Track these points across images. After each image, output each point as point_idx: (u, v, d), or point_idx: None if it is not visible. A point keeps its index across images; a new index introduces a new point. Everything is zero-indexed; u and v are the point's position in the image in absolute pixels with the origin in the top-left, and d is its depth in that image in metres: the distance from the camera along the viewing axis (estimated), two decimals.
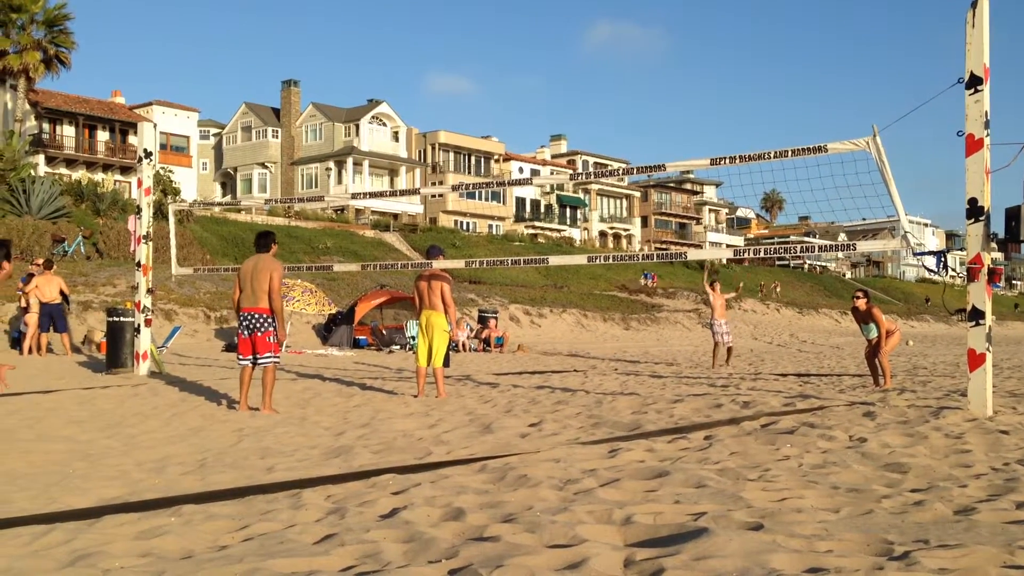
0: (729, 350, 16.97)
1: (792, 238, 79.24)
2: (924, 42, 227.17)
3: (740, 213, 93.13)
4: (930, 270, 9.31)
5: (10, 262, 6.36)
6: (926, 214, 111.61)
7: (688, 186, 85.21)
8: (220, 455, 6.67)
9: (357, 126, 60.28)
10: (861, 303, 12.52)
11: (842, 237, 78.67)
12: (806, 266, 77.96)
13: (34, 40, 41.70)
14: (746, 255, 11.35)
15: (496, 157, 68.31)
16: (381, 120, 61.95)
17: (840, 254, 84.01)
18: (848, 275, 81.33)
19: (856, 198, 9.61)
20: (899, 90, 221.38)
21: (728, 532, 3.87)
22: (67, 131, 50.10)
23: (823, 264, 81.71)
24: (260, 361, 9.08)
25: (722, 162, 9.74)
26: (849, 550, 3.72)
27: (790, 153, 9.23)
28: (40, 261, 17.42)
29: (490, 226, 63.87)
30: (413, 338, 21.81)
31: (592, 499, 4.73)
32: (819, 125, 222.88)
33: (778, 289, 52.45)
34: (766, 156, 9.38)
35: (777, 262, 70.43)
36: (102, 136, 51.61)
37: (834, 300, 59.39)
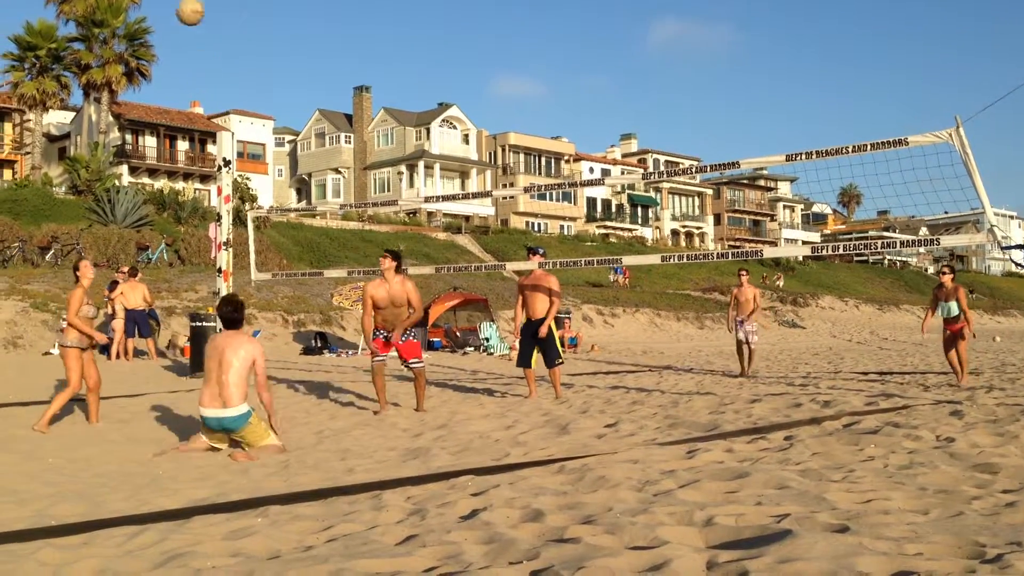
0: (751, 352, 14.37)
1: (871, 233, 77.46)
2: (1000, 37, 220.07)
3: (816, 209, 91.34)
4: (1018, 264, 9.01)
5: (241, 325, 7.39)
6: (1012, 205, 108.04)
7: (762, 182, 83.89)
8: (302, 456, 6.80)
9: (428, 130, 60.78)
10: (948, 279, 11.93)
11: (923, 231, 76.72)
12: (886, 262, 76.10)
13: (116, 54, 42.97)
14: (824, 251, 11.14)
15: (566, 157, 68.20)
16: (451, 123, 62.36)
17: (922, 249, 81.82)
18: (930, 270, 79.18)
19: (939, 191, 9.37)
20: (972, 87, 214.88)
21: (813, 534, 3.81)
22: (149, 141, 51.54)
23: (903, 259, 79.67)
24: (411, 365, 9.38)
25: (798, 158, 9.58)
26: (939, 553, 3.63)
27: (869, 147, 9.03)
28: (125, 269, 17.94)
29: (561, 227, 63.77)
30: (487, 339, 21.97)
31: (672, 500, 4.69)
32: (891, 120, 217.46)
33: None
34: (844, 151, 9.19)
35: (855, 258, 68.87)
36: (182, 146, 52.97)
37: (916, 296, 57.86)
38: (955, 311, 11.75)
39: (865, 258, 70.92)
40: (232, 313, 7.26)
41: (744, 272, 14.70)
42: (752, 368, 14.49)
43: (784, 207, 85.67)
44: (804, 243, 74.84)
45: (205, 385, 6.96)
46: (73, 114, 52.49)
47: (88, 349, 8.38)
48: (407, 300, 9.15)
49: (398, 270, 9.30)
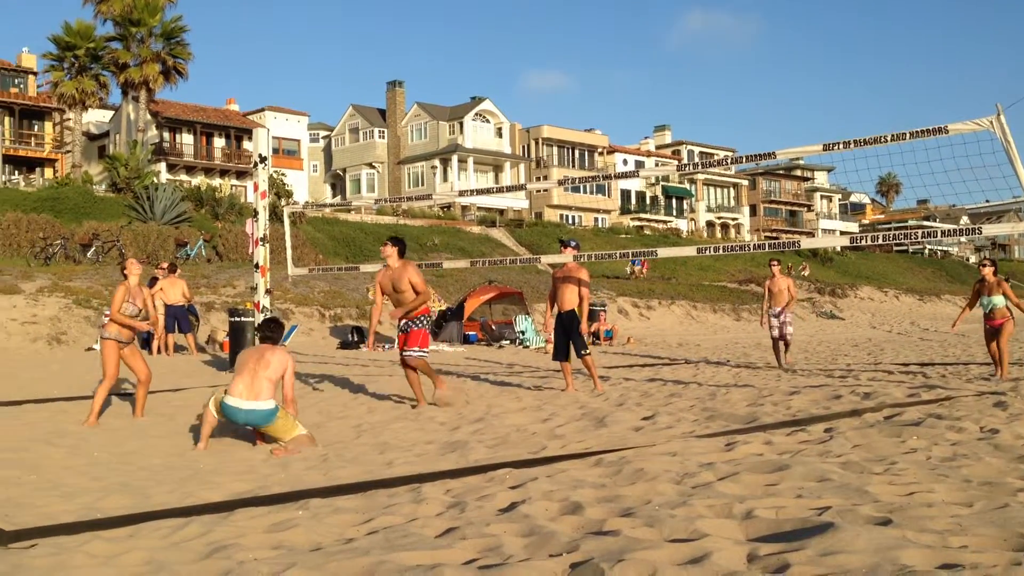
0: (787, 344, 14.19)
1: (910, 223, 76.43)
2: None
3: (854, 199, 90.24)
4: None
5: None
6: None
7: (798, 172, 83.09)
8: (341, 450, 6.86)
9: (461, 124, 60.85)
10: (989, 271, 11.53)
11: (964, 220, 75.56)
12: (926, 251, 75.06)
13: (153, 52, 43.50)
14: (862, 241, 10.98)
15: (600, 150, 67.98)
16: (484, 117, 62.38)
17: (963, 238, 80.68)
18: (972, 260, 78.02)
19: (980, 180, 9.24)
20: (1010, 77, 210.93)
21: (855, 527, 3.78)
22: (186, 139, 52.09)
23: (944, 249, 78.52)
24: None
25: (835, 147, 9.46)
26: (985, 545, 3.59)
27: (908, 135, 8.91)
28: (165, 265, 18.15)
29: (595, 219, 63.58)
30: (523, 332, 21.98)
31: (711, 493, 4.68)
32: (928, 111, 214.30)
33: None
34: (883, 139, 9.07)
35: (895, 248, 68.01)
36: (218, 143, 53.48)
37: (957, 286, 57.06)
38: (996, 305, 11.47)
39: (905, 248, 70.04)
40: (277, 331, 7.61)
41: (775, 263, 14.44)
42: (789, 360, 14.31)
43: (821, 197, 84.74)
44: (842, 233, 73.97)
45: (237, 376, 7.04)
46: (112, 113, 53.19)
47: (129, 343, 8.52)
48: (410, 285, 9.13)
49: (401, 256, 9.32)
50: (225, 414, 6.99)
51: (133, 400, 8.76)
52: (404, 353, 9.27)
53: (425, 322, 9.36)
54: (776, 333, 14.03)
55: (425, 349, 9.32)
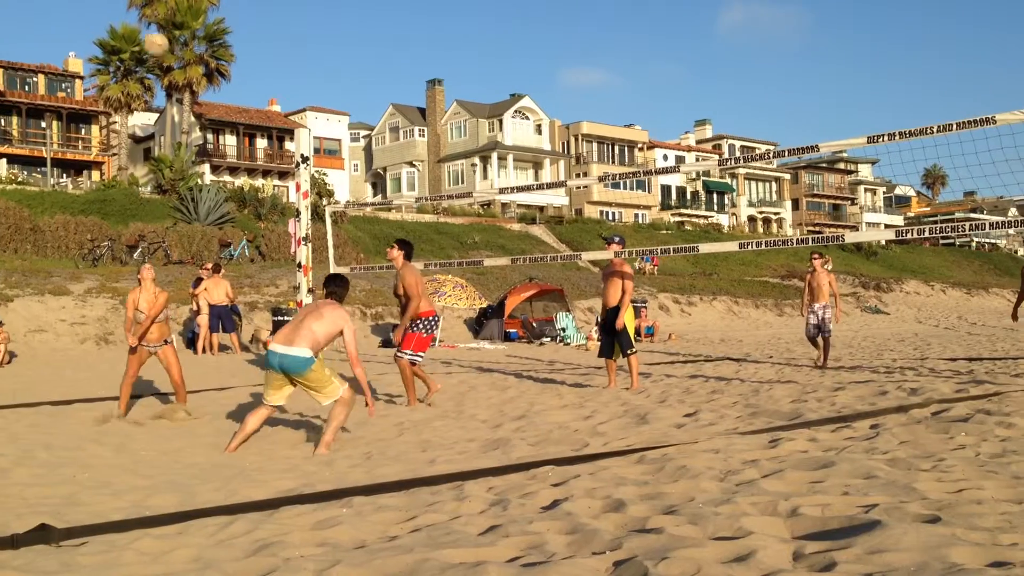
0: (826, 343, 13.36)
1: (957, 215, 75.11)
2: None
3: (899, 191, 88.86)
4: None
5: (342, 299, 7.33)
6: None
7: (841, 166, 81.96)
8: (383, 448, 6.90)
9: (500, 121, 60.87)
10: None
11: (1012, 212, 74.16)
12: (974, 244, 73.74)
13: (196, 55, 44.05)
14: (908, 235, 10.79)
15: (640, 145, 67.62)
16: (524, 114, 62.34)
17: (1011, 230, 79.15)
18: (1020, 252, 76.53)
19: None
20: None
21: (903, 525, 3.73)
22: (229, 140, 52.67)
23: (992, 241, 77.06)
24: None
25: (880, 140, 9.34)
26: None
27: (955, 126, 8.77)
28: (209, 265, 18.37)
29: (636, 215, 63.30)
30: (563, 330, 21.97)
31: (755, 490, 4.64)
32: (972, 101, 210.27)
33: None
34: (928, 131, 8.93)
35: (941, 241, 66.90)
36: (261, 143, 54.01)
37: (1005, 279, 55.98)
38: None
39: (951, 241, 68.87)
40: (342, 285, 7.34)
41: (816, 256, 13.88)
42: (830, 360, 13.57)
43: (865, 190, 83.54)
44: (887, 227, 72.95)
45: (286, 326, 7.03)
46: (156, 115, 53.97)
47: (159, 347, 8.72)
48: (403, 289, 9.09)
49: (407, 259, 9.30)
50: (266, 361, 6.93)
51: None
52: (396, 352, 9.35)
53: (423, 326, 9.24)
54: (813, 332, 13.46)
55: (416, 353, 9.24)
